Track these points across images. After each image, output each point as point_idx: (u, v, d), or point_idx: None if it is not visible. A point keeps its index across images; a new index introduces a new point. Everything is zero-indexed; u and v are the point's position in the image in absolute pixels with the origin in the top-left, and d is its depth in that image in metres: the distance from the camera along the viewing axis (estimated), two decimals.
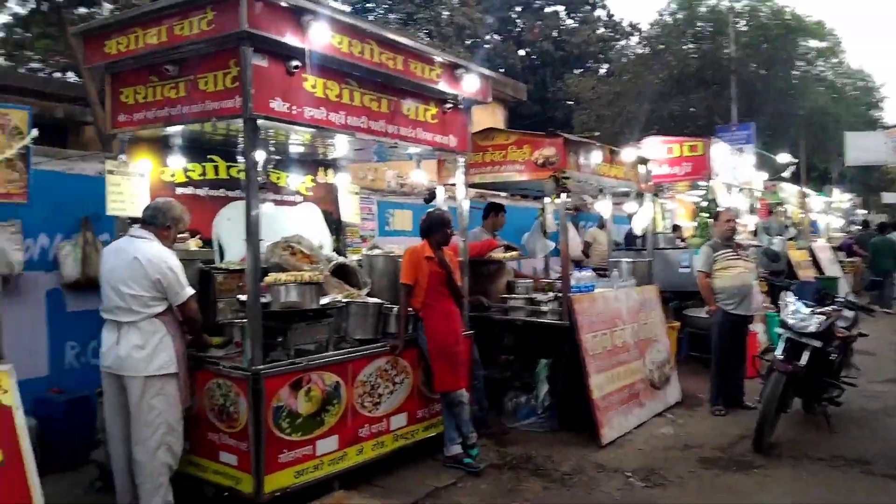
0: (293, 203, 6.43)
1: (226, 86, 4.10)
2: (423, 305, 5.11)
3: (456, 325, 5.21)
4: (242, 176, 5.93)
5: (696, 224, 10.15)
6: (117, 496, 4.15)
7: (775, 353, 5.82)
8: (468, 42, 28.16)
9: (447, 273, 5.12)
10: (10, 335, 5.20)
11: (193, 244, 5.22)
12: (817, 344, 5.65)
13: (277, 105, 4.14)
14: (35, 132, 2.74)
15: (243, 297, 4.58)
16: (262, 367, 4.09)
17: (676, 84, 23.13)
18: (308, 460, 4.34)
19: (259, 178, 5.96)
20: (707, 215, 9.07)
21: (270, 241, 5.42)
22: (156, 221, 4.25)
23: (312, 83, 4.35)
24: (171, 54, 4.26)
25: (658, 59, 24.10)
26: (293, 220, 6.26)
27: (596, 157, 6.70)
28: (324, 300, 4.88)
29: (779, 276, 10.25)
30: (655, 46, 25.26)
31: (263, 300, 4.58)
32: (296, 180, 6.41)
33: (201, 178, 5.67)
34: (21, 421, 2.54)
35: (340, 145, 5.66)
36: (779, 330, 6.00)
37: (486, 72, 5.69)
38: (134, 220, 4.54)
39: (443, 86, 5.24)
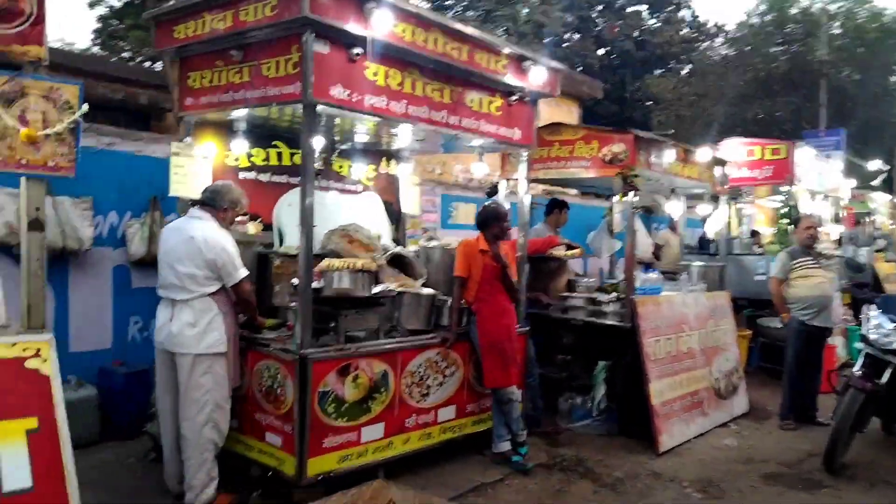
0: (355, 192, 6.44)
1: (287, 71, 4.11)
2: (475, 299, 5.02)
3: (509, 321, 5.08)
4: (318, 165, 6.06)
5: (775, 230, 9.68)
6: (165, 468, 4.24)
7: (854, 369, 5.44)
8: (546, 40, 27.84)
9: (502, 268, 5.00)
10: (78, 308, 5.45)
11: (252, 228, 5.26)
12: None
13: (337, 92, 4.12)
14: (85, 107, 2.77)
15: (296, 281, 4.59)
16: (310, 350, 4.08)
17: (762, 87, 22.22)
18: (352, 446, 4.32)
19: (321, 166, 6.08)
20: (787, 221, 8.65)
21: (328, 229, 5.46)
22: (214, 203, 4.30)
23: (374, 71, 4.31)
24: (236, 39, 4.29)
25: (744, 61, 23.21)
26: (353, 209, 6.27)
27: (668, 155, 6.46)
28: (376, 289, 4.85)
29: (862, 288, 9.65)
30: (742, 48, 24.35)
31: (317, 286, 4.61)
32: (358, 170, 6.42)
33: (264, 163, 5.73)
34: (58, 391, 2.59)
35: (403, 135, 5.63)
36: (859, 345, 5.62)
37: (556, 64, 5.54)
38: (195, 202, 4.62)
39: (509, 78, 5.12)
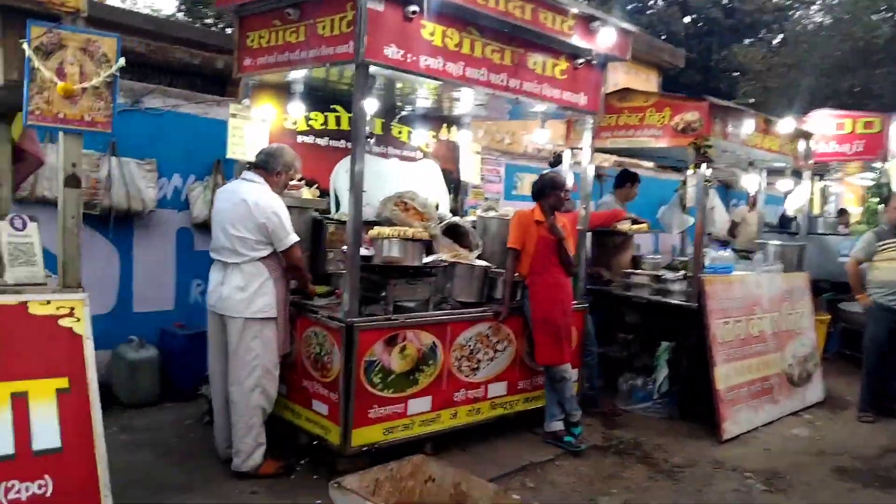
0: (413, 159, 6.31)
1: (341, 30, 4.00)
2: (529, 272, 4.83)
3: (563, 296, 4.87)
4: (369, 129, 5.96)
5: (863, 210, 9.05)
6: (215, 432, 4.26)
7: None
8: (629, 7, 26.86)
9: (558, 240, 4.78)
10: (141, 269, 5.54)
11: (307, 193, 5.21)
12: None
13: (392, 52, 3.98)
14: (122, 61, 2.71)
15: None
16: (357, 319, 4.00)
17: (860, 57, 20.78)
18: (398, 418, 4.25)
19: (380, 131, 5.98)
20: (877, 201, 8.03)
21: (385, 196, 5.37)
22: (267, 166, 4.24)
23: (431, 31, 4.15)
24: None
25: (840, 30, 21.75)
26: (411, 177, 6.17)
27: (747, 126, 6.05)
28: (427, 259, 4.73)
29: None
30: (840, 15, 22.82)
31: (367, 254, 4.53)
32: (418, 136, 6.27)
33: (323, 127, 5.65)
34: (90, 352, 2.58)
35: (464, 100, 5.44)
36: None
37: (627, 26, 5.22)
38: (250, 165, 4.58)
39: (575, 39, 4.85)
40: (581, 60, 5.05)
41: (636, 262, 6.34)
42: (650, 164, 10.41)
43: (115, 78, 2.71)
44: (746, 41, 27.14)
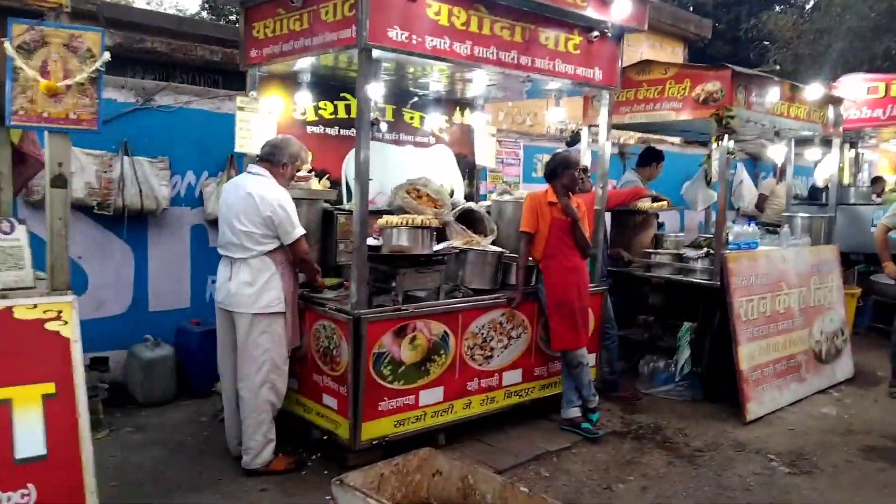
0: (426, 145, 6.23)
1: (343, 14, 3.94)
2: (543, 256, 4.73)
3: (579, 279, 4.76)
4: (374, 115, 5.89)
5: None
6: (226, 429, 4.26)
7: None
8: None
9: (573, 221, 4.66)
10: (156, 267, 5.56)
11: (315, 184, 5.16)
12: None
13: (395, 34, 3.90)
14: (107, 56, 2.67)
15: None
16: (364, 310, 3.96)
17: None
18: (409, 410, 4.20)
19: (388, 118, 5.91)
20: None
21: (398, 184, 5.31)
22: (272, 158, 4.19)
23: (436, 10, 4.06)
24: None
25: None
26: (424, 163, 6.10)
27: (772, 94, 5.82)
28: (438, 246, 4.67)
29: None
30: None
31: (375, 243, 4.48)
32: (429, 121, 6.19)
33: (332, 117, 5.60)
34: (78, 355, 2.56)
35: (476, 81, 5.32)
36: None
37: None
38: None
39: (589, 11, 4.71)
40: (595, 33, 4.90)
41: (658, 240, 6.18)
42: (677, 140, 10.16)
43: (100, 73, 2.67)
44: (777, 8, 26.34)
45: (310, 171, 5.31)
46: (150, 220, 5.53)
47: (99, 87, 2.68)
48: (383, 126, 5.98)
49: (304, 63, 4.73)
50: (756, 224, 7.19)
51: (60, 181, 2.64)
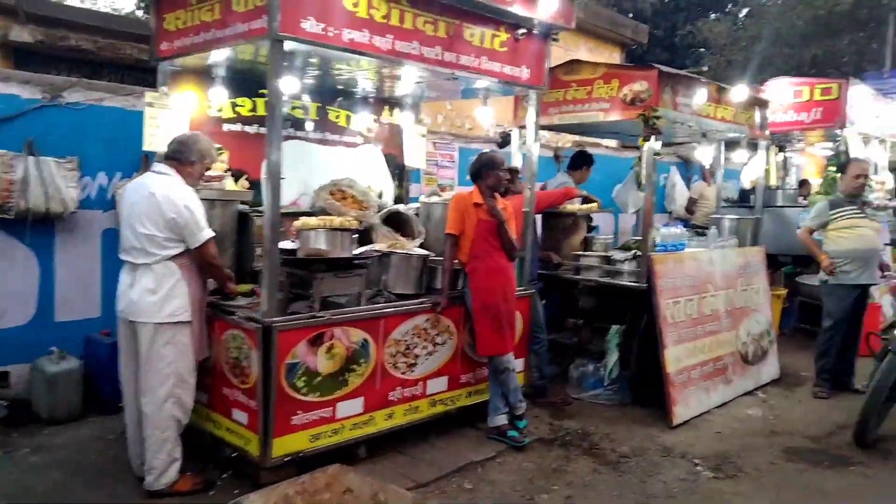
0: (354, 145, 6.04)
1: (255, 4, 3.75)
2: (469, 258, 4.58)
3: (505, 281, 4.63)
4: (298, 113, 5.69)
5: (822, 180, 8.90)
6: (128, 447, 3.96)
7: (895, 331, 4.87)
8: None
9: (499, 223, 4.53)
10: (64, 274, 5.22)
11: (231, 184, 4.92)
12: None
13: (310, 25, 3.71)
14: None
15: (281, 244, 4.25)
16: (276, 318, 3.74)
17: (823, 26, 20.70)
18: (326, 423, 3.99)
19: (312, 116, 5.71)
20: (835, 169, 7.87)
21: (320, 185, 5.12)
22: (179, 156, 3.92)
23: (354, 1, 3.88)
24: None
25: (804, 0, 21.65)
26: (352, 163, 5.91)
27: (699, 95, 5.81)
28: (359, 249, 4.48)
29: None
30: None
31: (293, 246, 4.27)
32: (357, 120, 6.00)
33: (251, 114, 5.36)
34: None
35: (405, 80, 5.17)
36: None
37: None
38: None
39: (516, 8, 4.61)
40: (522, 30, 4.80)
41: (587, 243, 6.12)
42: (613, 143, 10.20)
43: None
44: (713, 16, 27.03)
45: (226, 171, 5.06)
46: (58, 224, 5.18)
47: None
48: (309, 125, 5.79)
49: (219, 57, 4.52)
50: (686, 226, 7.23)
51: None
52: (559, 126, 6.40)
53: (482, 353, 4.65)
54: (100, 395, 5.05)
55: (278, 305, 3.87)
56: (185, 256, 3.81)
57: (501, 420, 4.66)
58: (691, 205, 9.06)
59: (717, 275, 5.87)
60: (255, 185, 5.24)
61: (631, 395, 5.46)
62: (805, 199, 8.92)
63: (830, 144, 9.08)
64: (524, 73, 4.94)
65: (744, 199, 9.41)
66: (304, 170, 5.68)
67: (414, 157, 6.25)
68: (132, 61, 7.31)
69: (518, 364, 4.85)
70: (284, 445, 3.79)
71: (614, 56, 14.98)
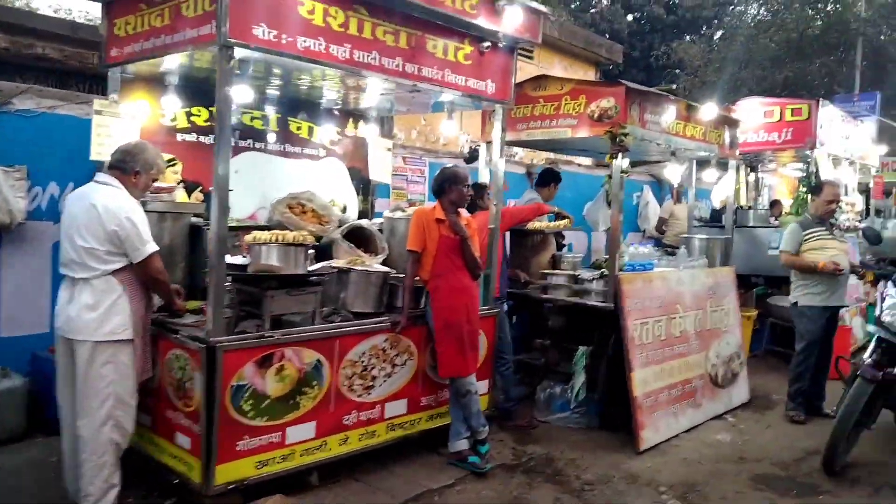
0: (316, 157, 5.87)
1: (204, 9, 3.60)
2: (431, 276, 4.41)
3: (468, 300, 4.45)
4: (257, 124, 5.53)
5: (793, 200, 8.88)
6: (65, 472, 3.71)
7: (864, 355, 4.76)
8: (572, 5, 26.80)
9: (462, 240, 4.37)
10: (10, 288, 4.97)
11: (182, 196, 4.73)
12: None
13: (262, 32, 3.55)
14: None
15: (232, 259, 4.05)
16: (221, 338, 3.53)
17: (794, 49, 21.01)
18: (275, 449, 3.77)
19: (272, 127, 5.55)
20: (805, 190, 7.83)
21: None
22: (123, 166, 3.71)
23: (310, 8, 3.74)
24: None
25: (776, 22, 21.97)
26: (314, 176, 5.75)
27: (668, 113, 5.73)
28: (315, 266, 4.30)
29: (880, 263, 8.76)
30: (777, 8, 23.06)
31: (243, 262, 4.07)
32: (320, 132, 5.85)
33: (207, 124, 5.17)
34: None
35: (369, 92, 5.02)
36: (871, 328, 4.93)
37: (537, 5, 4.84)
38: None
39: (481, 20, 4.48)
40: (487, 44, 4.68)
41: (555, 261, 5.98)
42: (588, 161, 10.12)
43: None
44: (687, 38, 27.39)
45: (179, 183, 4.88)
46: (4, 236, 4.93)
47: None
48: (270, 136, 5.62)
49: (172, 64, 4.36)
50: (658, 246, 7.14)
51: None
52: (527, 142, 6.28)
53: (443, 375, 4.47)
54: (45, 414, 4.76)
55: (226, 324, 3.67)
56: (128, 271, 3.59)
57: (462, 445, 4.47)
58: (661, 224, 8.99)
59: (686, 295, 5.75)
60: (209, 197, 5.06)
61: (599, 418, 5.30)
62: (776, 220, 8.89)
63: (801, 165, 9.10)
64: (489, 87, 4.82)
65: (715, 218, 9.36)
66: (263, 182, 5.51)
67: (379, 171, 6.08)
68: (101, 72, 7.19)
69: (481, 386, 4.69)
70: (228, 472, 3.57)
71: (589, 74, 15.02)
